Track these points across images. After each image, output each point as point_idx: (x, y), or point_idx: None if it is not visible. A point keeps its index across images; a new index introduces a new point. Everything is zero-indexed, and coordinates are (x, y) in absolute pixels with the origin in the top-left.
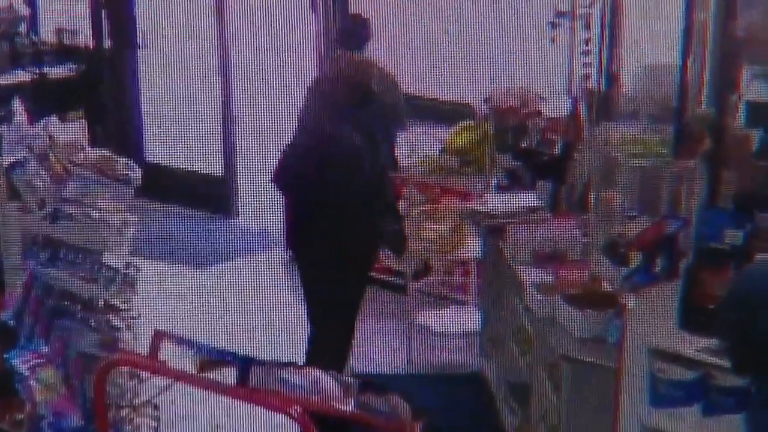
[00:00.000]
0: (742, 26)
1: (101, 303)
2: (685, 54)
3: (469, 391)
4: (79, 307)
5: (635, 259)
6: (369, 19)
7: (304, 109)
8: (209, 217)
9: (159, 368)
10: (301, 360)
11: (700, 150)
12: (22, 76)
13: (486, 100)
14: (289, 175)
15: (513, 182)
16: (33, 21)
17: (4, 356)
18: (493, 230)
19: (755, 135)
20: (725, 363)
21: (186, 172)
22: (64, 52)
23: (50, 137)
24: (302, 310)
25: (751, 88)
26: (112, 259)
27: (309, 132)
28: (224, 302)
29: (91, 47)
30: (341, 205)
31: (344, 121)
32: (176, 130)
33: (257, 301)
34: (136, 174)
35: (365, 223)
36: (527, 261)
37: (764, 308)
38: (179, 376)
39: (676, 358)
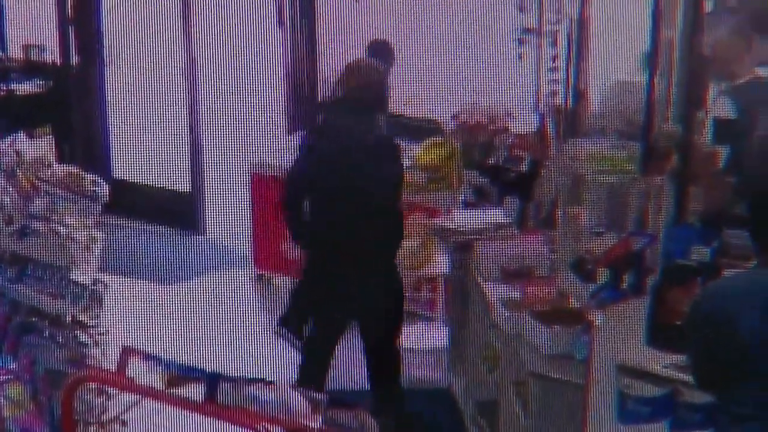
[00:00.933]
0: (708, 44)
1: (69, 319)
2: (652, 71)
3: (437, 408)
4: (47, 324)
5: (602, 275)
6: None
7: (332, 112)
8: (176, 234)
9: (127, 384)
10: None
11: (667, 166)
12: None
13: (454, 117)
14: (326, 182)
15: (480, 198)
16: (0, 37)
17: None
18: (461, 247)
19: (722, 151)
20: (691, 379)
21: (153, 188)
22: (31, 68)
23: (17, 153)
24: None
25: (718, 105)
26: (79, 276)
27: (341, 138)
28: (192, 318)
29: (59, 63)
30: (383, 202)
31: (375, 123)
32: (144, 146)
33: (225, 317)
34: (104, 190)
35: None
36: (495, 277)
37: (727, 325)
38: (147, 393)
39: (644, 375)
